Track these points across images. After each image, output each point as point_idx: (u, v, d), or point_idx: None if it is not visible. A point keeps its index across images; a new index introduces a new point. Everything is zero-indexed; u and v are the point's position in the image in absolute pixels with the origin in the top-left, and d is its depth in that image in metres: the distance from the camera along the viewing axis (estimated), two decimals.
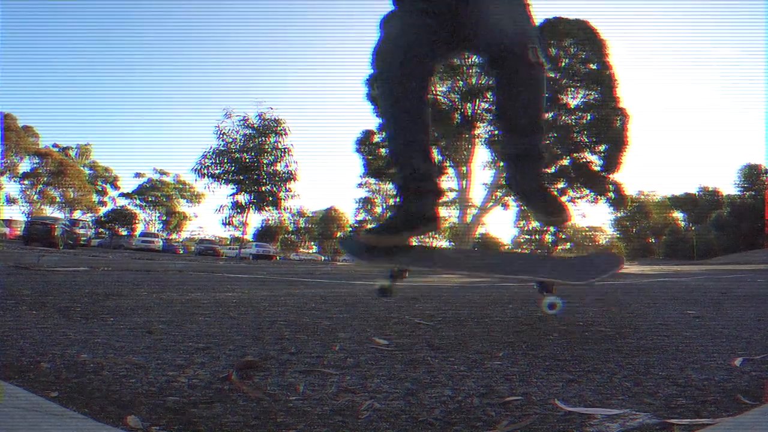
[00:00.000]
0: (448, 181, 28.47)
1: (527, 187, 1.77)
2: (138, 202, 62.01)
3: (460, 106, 24.87)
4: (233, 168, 23.06)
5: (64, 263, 5.98)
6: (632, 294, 3.58)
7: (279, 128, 23.41)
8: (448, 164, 26.64)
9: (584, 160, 25.59)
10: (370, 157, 26.84)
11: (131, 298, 2.34)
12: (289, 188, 24.15)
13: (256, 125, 23.15)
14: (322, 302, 2.48)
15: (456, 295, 3.20)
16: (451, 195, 26.29)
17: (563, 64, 24.17)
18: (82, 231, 26.24)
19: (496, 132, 24.60)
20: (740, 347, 1.35)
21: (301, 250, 69.48)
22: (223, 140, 22.98)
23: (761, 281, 5.65)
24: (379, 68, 1.76)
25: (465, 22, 1.76)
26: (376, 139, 26.78)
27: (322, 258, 57.46)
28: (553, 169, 25.92)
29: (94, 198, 58.62)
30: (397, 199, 1.86)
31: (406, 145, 1.79)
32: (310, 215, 69.10)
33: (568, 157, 25.47)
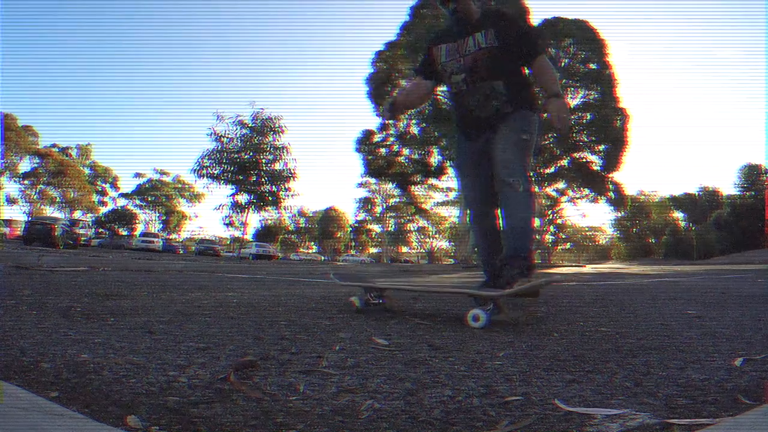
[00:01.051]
0: (448, 181, 28.48)
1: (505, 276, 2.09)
2: (138, 202, 62.03)
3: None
4: (232, 168, 23.08)
5: (64, 263, 5.98)
6: (632, 294, 3.58)
7: (275, 126, 23.44)
8: (448, 164, 26.64)
9: (584, 159, 25.59)
10: (370, 157, 26.82)
11: (131, 298, 2.34)
12: (289, 187, 24.16)
13: (251, 125, 23.18)
14: (322, 302, 2.48)
15: (456, 295, 3.20)
16: (452, 195, 26.28)
17: (563, 63, 24.18)
18: (82, 231, 26.21)
19: None
20: (740, 347, 1.35)
21: (301, 250, 69.50)
22: (219, 142, 23.02)
23: (761, 281, 5.65)
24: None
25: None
26: (376, 138, 26.78)
27: (322, 258, 57.47)
28: (552, 169, 25.95)
29: (94, 198, 58.62)
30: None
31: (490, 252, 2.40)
32: (310, 215, 69.12)
33: (567, 157, 25.48)
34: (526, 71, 2.44)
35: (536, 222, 2.53)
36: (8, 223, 30.80)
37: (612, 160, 24.94)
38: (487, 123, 2.38)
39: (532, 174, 2.38)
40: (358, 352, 1.23)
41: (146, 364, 1.04)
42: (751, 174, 55.93)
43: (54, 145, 57.89)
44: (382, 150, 27.05)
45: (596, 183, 25.74)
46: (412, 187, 29.11)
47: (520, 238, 2.20)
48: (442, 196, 35.93)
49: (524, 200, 2.22)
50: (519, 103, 2.35)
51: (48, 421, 0.66)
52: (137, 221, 60.38)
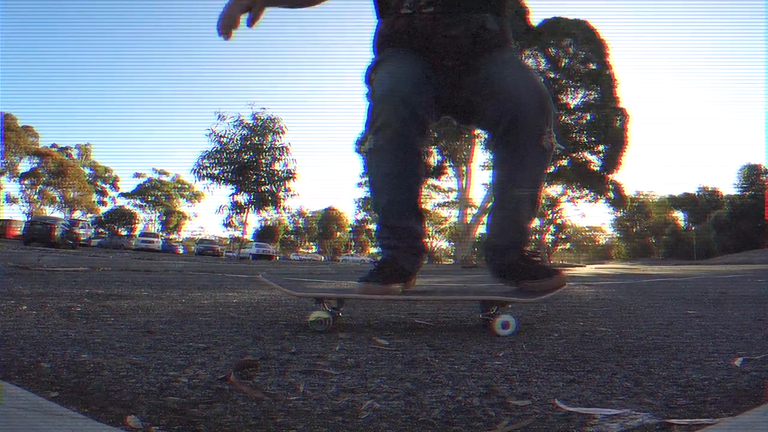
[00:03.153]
0: (448, 181, 28.46)
1: (505, 259, 1.72)
2: (138, 202, 62.02)
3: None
4: (232, 168, 23.08)
5: (64, 263, 5.98)
6: (632, 294, 3.58)
7: (275, 127, 23.45)
8: (448, 164, 26.62)
9: (584, 159, 25.59)
10: None
11: (131, 298, 2.34)
12: (289, 187, 24.18)
13: (251, 125, 23.19)
14: None
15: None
16: (452, 195, 26.29)
17: (563, 63, 24.17)
18: (82, 231, 26.22)
19: None
20: (740, 347, 1.35)
21: (301, 250, 69.50)
22: (219, 142, 23.02)
23: (761, 281, 5.65)
24: (379, 120, 1.65)
25: (470, 87, 1.70)
26: None
27: (322, 258, 57.45)
28: (552, 169, 25.94)
29: (94, 198, 58.61)
30: (385, 252, 1.79)
31: (403, 203, 1.73)
32: (310, 215, 69.14)
33: (567, 157, 25.48)
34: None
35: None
36: (7, 222, 30.77)
37: (612, 160, 24.95)
38: (459, 51, 1.67)
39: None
40: (358, 352, 1.23)
41: (146, 364, 1.04)
42: (751, 174, 55.96)
43: (54, 145, 57.88)
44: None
45: (596, 183, 25.74)
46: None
47: (528, 212, 1.71)
48: (442, 196, 35.93)
49: (544, 161, 1.66)
50: (507, 42, 1.77)
51: (48, 421, 0.66)
52: (137, 221, 60.37)
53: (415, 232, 1.79)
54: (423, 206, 1.89)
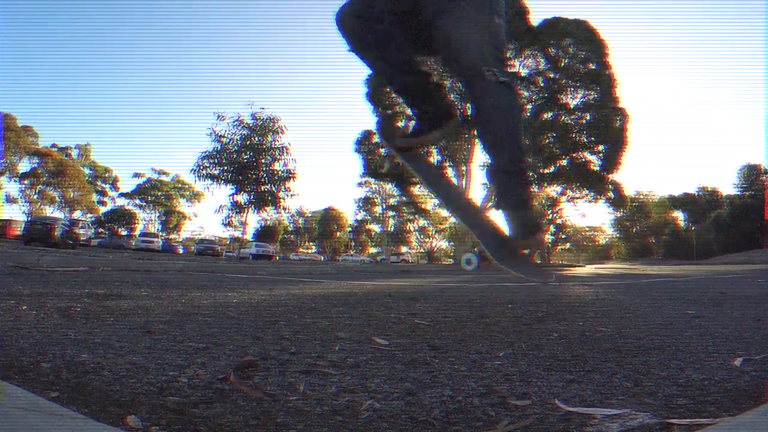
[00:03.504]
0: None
1: (508, 202, 1.76)
2: (138, 202, 62.03)
3: (459, 106, 24.85)
4: (232, 168, 23.08)
5: (64, 263, 5.97)
6: (632, 294, 3.58)
7: (275, 127, 23.46)
8: (448, 164, 26.62)
9: (583, 159, 25.59)
10: (369, 157, 26.82)
11: (131, 298, 2.34)
12: (288, 187, 24.18)
13: (251, 125, 23.19)
14: (322, 302, 2.48)
15: (456, 296, 3.20)
16: None
17: (563, 63, 24.17)
18: (82, 231, 26.21)
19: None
20: (740, 347, 1.35)
21: (301, 250, 69.48)
22: (219, 142, 23.03)
23: (761, 281, 5.65)
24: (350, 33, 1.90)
25: (431, 37, 1.83)
26: (376, 139, 26.77)
27: (322, 258, 57.44)
28: (552, 169, 25.94)
29: (94, 198, 58.60)
30: (410, 109, 2.03)
31: (399, 64, 1.92)
32: (309, 215, 69.13)
33: (567, 157, 25.47)
34: None
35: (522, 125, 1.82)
36: (7, 222, 30.76)
37: (611, 160, 24.93)
38: None
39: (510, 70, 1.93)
40: (358, 352, 1.23)
41: (146, 364, 1.04)
42: (751, 174, 55.95)
43: (54, 145, 57.87)
44: (382, 150, 27.03)
45: (596, 183, 25.73)
46: (412, 187, 29.10)
47: (509, 145, 1.74)
48: None
49: (505, 94, 1.73)
50: None
51: (48, 421, 0.66)
52: (137, 221, 60.37)
53: (424, 75, 1.97)
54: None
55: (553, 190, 29.81)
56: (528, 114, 24.63)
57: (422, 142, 1.97)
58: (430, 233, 60.11)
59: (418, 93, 1.98)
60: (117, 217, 58.78)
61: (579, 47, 24.04)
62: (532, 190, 1.86)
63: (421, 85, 1.96)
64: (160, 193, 62.08)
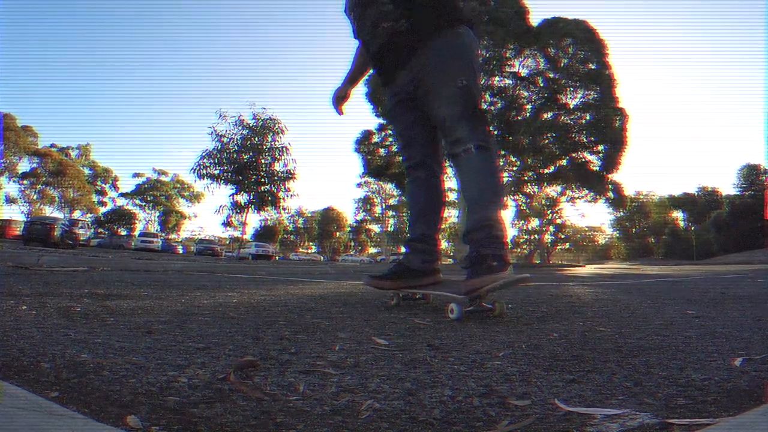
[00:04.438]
0: (448, 182, 28.47)
1: (472, 255, 1.91)
2: (137, 202, 61.99)
3: None
4: (232, 168, 23.08)
5: (64, 263, 5.97)
6: (632, 294, 3.58)
7: (275, 127, 23.48)
8: (448, 164, 26.60)
9: (583, 159, 25.59)
10: (369, 157, 26.82)
11: (131, 298, 2.33)
12: (288, 187, 24.20)
13: (251, 125, 23.20)
14: (322, 302, 2.48)
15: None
16: (452, 195, 26.31)
17: (562, 63, 24.17)
18: (81, 231, 26.20)
19: (495, 132, 24.63)
20: (740, 347, 1.35)
21: (301, 250, 69.46)
22: (220, 141, 23.04)
23: (761, 281, 5.66)
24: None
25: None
26: (376, 139, 26.77)
27: (321, 258, 57.41)
28: (552, 169, 25.94)
29: (94, 198, 58.56)
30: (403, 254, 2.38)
31: (419, 216, 2.30)
32: (309, 215, 69.12)
33: (567, 157, 25.48)
34: None
35: (501, 192, 2.02)
36: (7, 222, 30.73)
37: (611, 160, 24.95)
38: (396, 60, 1.94)
39: (489, 126, 1.97)
40: (358, 352, 1.23)
41: (146, 364, 1.04)
42: (751, 174, 55.98)
43: (54, 145, 57.84)
44: (382, 150, 27.01)
45: (595, 183, 25.74)
46: None
47: (481, 207, 1.89)
48: None
49: (479, 164, 1.87)
50: (434, 22, 1.86)
51: (48, 421, 0.66)
52: (136, 221, 60.34)
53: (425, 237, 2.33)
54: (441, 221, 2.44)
55: (553, 190, 29.79)
56: (528, 114, 24.62)
57: (388, 286, 2.36)
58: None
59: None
60: (117, 217, 58.74)
61: (579, 47, 24.05)
62: (504, 256, 1.88)
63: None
64: (159, 194, 62.03)
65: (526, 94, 24.72)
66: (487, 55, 23.26)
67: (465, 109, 1.89)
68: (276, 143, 23.83)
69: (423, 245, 2.27)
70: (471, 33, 1.93)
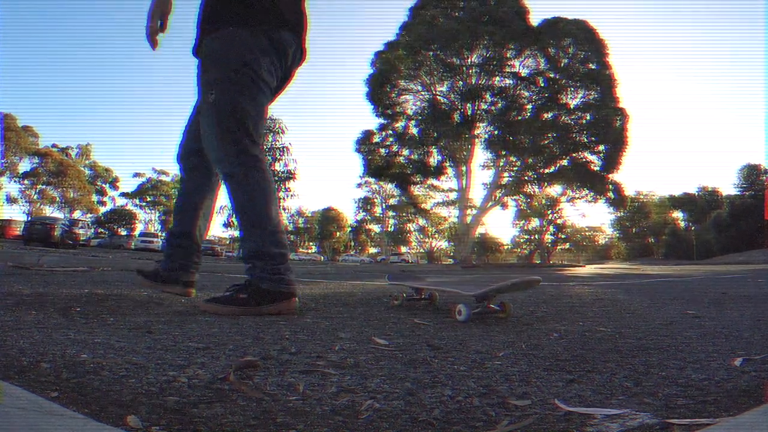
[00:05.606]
0: (448, 182, 28.47)
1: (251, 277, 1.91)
2: (137, 202, 62.01)
3: (459, 106, 24.87)
4: None
5: (64, 263, 5.97)
6: (632, 294, 3.58)
7: (275, 127, 23.50)
8: (448, 164, 26.61)
9: (583, 159, 25.59)
10: (369, 157, 26.82)
11: (131, 298, 2.33)
12: (289, 188, 24.21)
13: None
14: (322, 302, 2.48)
15: (455, 296, 3.19)
16: (452, 195, 26.31)
17: (562, 63, 24.18)
18: (81, 231, 26.21)
19: (496, 132, 24.65)
20: (740, 347, 1.35)
21: (301, 250, 69.46)
22: None
23: (761, 281, 5.65)
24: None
25: None
26: (376, 139, 26.77)
27: (322, 258, 57.41)
28: (552, 169, 25.94)
29: (94, 198, 58.58)
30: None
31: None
32: (309, 215, 69.12)
33: (567, 157, 25.48)
34: None
35: (270, 208, 1.96)
36: (7, 222, 30.73)
37: (611, 160, 24.96)
38: (197, 37, 1.92)
39: (247, 139, 1.81)
40: (358, 352, 1.23)
41: (146, 364, 1.04)
42: (751, 174, 55.97)
43: (54, 145, 57.86)
44: (382, 150, 27.01)
45: (596, 183, 25.75)
46: (412, 187, 29.09)
47: (245, 231, 1.90)
48: (442, 196, 35.88)
49: (232, 191, 1.87)
50: (212, 23, 1.79)
51: (48, 421, 0.66)
52: (137, 221, 60.35)
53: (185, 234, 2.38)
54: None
55: (553, 190, 29.78)
56: (528, 114, 24.64)
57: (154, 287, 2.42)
58: (430, 233, 60.09)
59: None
60: (117, 217, 58.76)
61: (579, 47, 24.06)
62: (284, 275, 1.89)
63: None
64: (159, 194, 62.05)
65: (526, 94, 24.74)
66: (488, 55, 23.28)
67: (212, 128, 1.77)
68: (276, 143, 23.86)
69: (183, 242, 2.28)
70: (248, 35, 1.72)
